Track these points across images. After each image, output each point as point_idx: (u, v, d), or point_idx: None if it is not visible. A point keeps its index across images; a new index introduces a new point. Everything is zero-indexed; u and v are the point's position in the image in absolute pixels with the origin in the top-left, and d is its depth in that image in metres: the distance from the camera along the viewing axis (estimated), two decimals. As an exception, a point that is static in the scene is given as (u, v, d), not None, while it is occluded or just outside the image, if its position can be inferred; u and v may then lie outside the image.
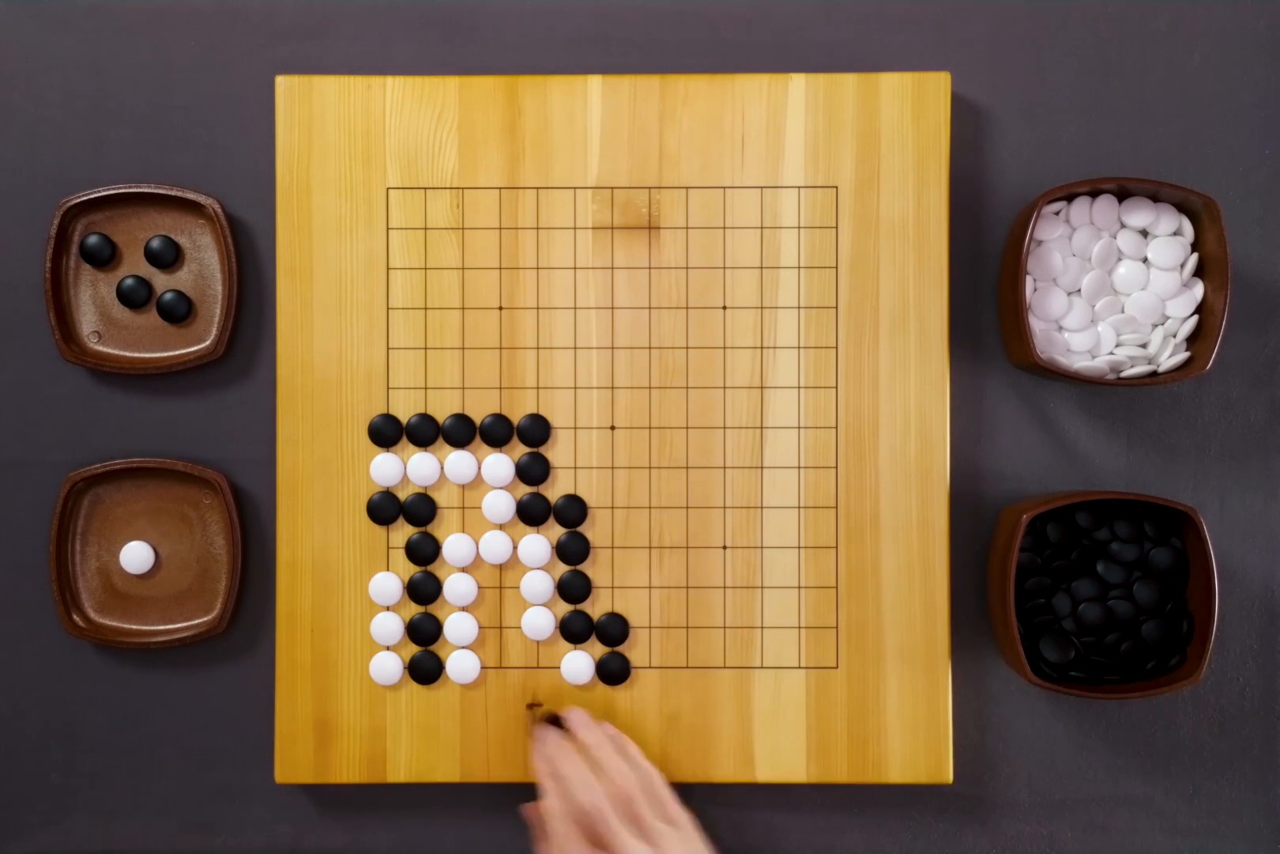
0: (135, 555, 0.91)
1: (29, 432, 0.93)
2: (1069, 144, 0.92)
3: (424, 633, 0.90)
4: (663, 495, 0.90)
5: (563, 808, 0.82)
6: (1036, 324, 0.89)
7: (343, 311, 0.90)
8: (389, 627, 0.90)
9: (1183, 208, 0.89)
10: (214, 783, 0.93)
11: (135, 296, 0.91)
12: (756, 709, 0.90)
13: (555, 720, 0.89)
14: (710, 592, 0.90)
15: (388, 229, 0.90)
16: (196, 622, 0.92)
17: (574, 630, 0.90)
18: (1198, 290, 0.89)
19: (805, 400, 0.90)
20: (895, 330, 0.90)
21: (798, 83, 0.90)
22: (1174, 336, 0.89)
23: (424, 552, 0.90)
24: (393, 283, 0.90)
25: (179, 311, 0.92)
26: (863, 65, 0.92)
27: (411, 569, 0.90)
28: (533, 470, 0.90)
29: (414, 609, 0.90)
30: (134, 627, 0.92)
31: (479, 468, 0.90)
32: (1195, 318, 0.89)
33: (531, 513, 0.90)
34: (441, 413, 0.90)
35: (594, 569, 0.90)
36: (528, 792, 0.92)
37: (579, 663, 0.90)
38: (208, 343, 0.91)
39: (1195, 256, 0.89)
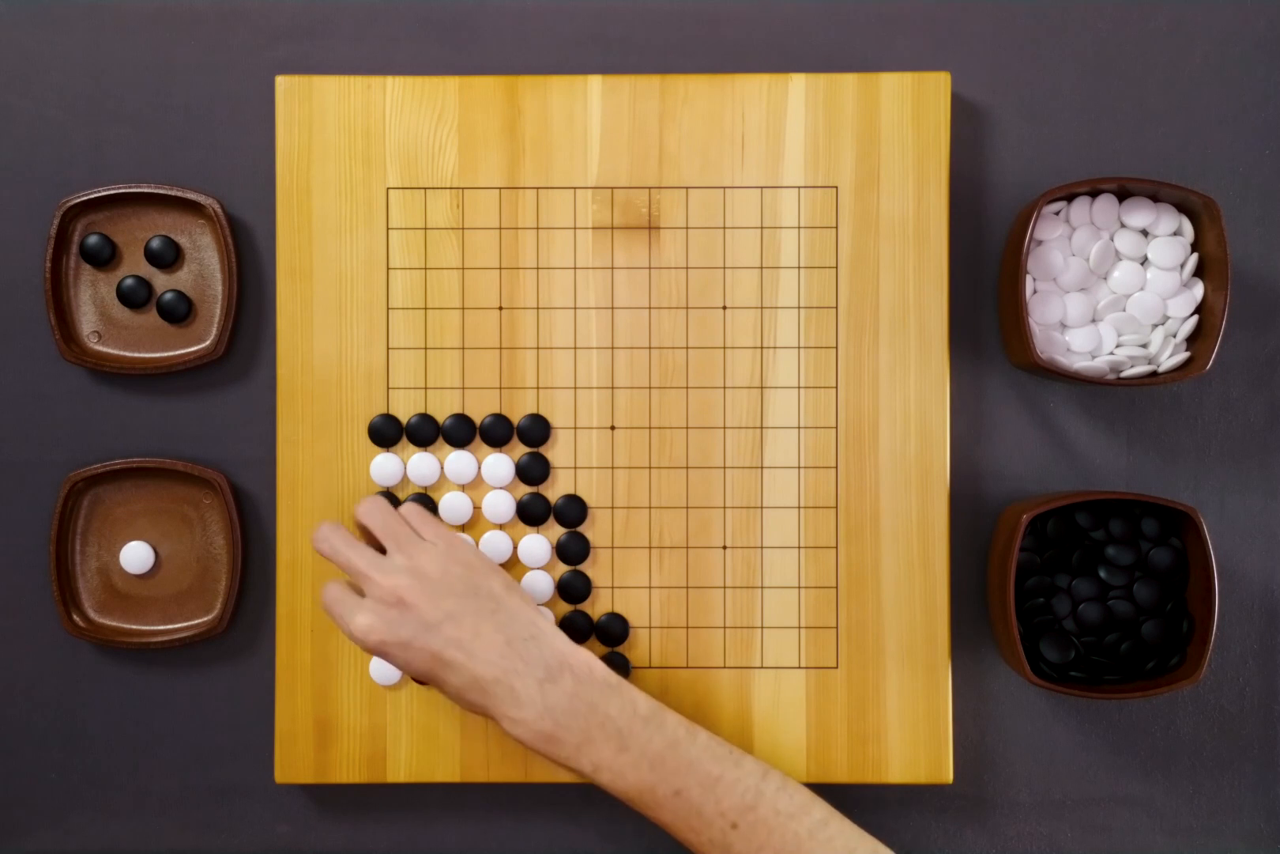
0: (135, 555, 0.91)
1: (29, 432, 0.93)
2: (1069, 144, 0.92)
3: (424, 633, 0.90)
4: (663, 495, 0.90)
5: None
6: (1036, 324, 0.89)
7: (343, 311, 0.90)
8: (389, 627, 0.90)
9: (1183, 208, 0.89)
10: (214, 783, 0.93)
11: (135, 296, 0.91)
12: (756, 709, 0.90)
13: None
14: (710, 592, 0.90)
15: (388, 229, 0.90)
16: (196, 622, 0.92)
17: (574, 631, 0.90)
18: (1198, 290, 0.89)
19: (805, 400, 0.90)
20: (895, 330, 0.90)
21: (798, 83, 0.90)
22: (1174, 336, 0.89)
23: (424, 552, 0.90)
24: (393, 283, 0.90)
25: (179, 311, 0.92)
26: (863, 65, 0.92)
27: (411, 569, 0.90)
28: (533, 470, 0.90)
29: (414, 609, 0.90)
30: (134, 627, 0.92)
31: (479, 468, 0.90)
32: (1195, 318, 0.89)
33: (531, 513, 0.90)
34: (441, 413, 0.90)
35: (594, 569, 0.90)
36: (528, 792, 0.92)
37: (579, 663, 0.90)
38: (208, 343, 0.91)
39: (1195, 256, 0.89)
